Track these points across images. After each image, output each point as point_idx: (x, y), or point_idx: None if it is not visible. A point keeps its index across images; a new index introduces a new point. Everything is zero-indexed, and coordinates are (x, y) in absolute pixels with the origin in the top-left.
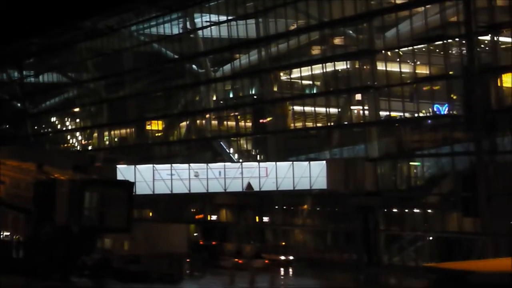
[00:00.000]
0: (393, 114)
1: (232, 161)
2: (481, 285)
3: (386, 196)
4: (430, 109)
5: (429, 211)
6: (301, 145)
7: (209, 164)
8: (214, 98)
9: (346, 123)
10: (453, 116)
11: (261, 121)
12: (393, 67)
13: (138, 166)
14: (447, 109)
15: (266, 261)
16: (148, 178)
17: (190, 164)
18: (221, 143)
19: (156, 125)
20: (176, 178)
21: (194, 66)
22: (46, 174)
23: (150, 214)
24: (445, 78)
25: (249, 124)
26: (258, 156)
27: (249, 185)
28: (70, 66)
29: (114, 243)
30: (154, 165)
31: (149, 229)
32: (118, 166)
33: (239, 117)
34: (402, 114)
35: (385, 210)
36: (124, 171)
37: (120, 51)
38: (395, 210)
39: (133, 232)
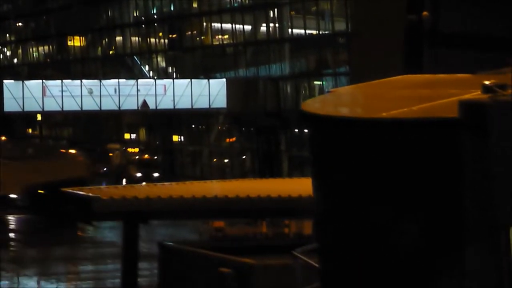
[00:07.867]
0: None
1: (147, 78)
2: (105, 213)
3: (287, 117)
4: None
5: None
6: (217, 63)
7: (103, 81)
8: (135, 14)
9: (254, 40)
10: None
11: (176, 37)
12: None
13: (26, 82)
14: None
15: None
16: (38, 94)
17: (83, 81)
18: (137, 60)
19: (77, 41)
20: (68, 95)
21: None
22: None
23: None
24: None
25: (164, 41)
26: (174, 74)
27: (145, 103)
28: None
29: None
30: (44, 81)
31: None
32: (5, 81)
33: (160, 33)
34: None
35: (288, 131)
36: (11, 87)
37: None
38: (296, 130)
39: None
